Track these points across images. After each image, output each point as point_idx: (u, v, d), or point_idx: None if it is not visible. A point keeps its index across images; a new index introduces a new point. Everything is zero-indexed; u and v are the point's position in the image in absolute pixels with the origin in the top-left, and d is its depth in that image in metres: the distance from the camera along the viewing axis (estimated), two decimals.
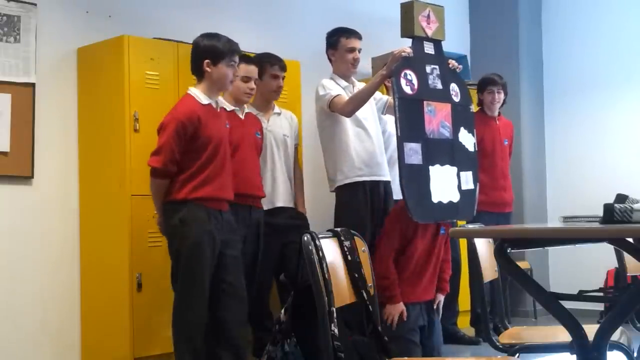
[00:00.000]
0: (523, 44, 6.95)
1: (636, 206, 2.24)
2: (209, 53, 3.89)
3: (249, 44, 5.22)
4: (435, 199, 4.32)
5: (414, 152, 4.27)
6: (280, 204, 4.67)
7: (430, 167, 4.34)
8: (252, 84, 4.40)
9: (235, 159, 4.18)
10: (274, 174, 4.66)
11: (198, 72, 3.93)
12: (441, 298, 4.59)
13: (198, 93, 3.89)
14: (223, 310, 3.92)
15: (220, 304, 3.91)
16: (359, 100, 4.49)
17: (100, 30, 4.70)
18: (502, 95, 5.58)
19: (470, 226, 3.54)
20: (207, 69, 3.88)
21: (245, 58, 4.38)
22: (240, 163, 4.26)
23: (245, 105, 4.50)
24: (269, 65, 4.66)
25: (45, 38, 4.60)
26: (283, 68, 4.71)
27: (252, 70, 4.41)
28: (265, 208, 4.54)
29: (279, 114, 4.77)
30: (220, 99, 4.10)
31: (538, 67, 7.07)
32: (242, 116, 4.40)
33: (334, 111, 4.59)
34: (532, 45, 7.03)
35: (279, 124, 4.74)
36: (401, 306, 4.31)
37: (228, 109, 4.14)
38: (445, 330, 4.99)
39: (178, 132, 3.76)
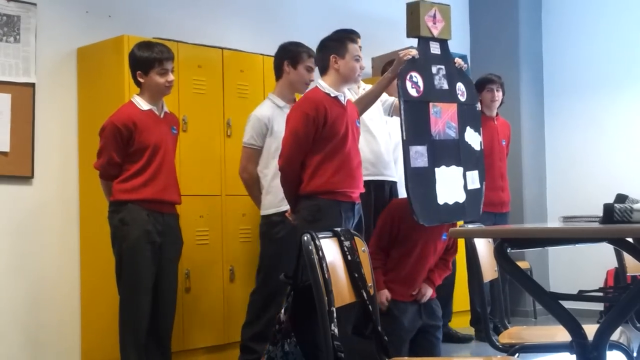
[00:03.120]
0: (523, 44, 6.94)
1: (636, 206, 2.24)
2: (139, 64, 3.98)
3: (249, 44, 5.24)
4: (440, 200, 4.29)
5: (420, 155, 4.25)
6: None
7: (436, 169, 4.32)
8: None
9: (345, 152, 3.94)
10: None
11: (136, 83, 4.03)
12: (425, 287, 4.36)
13: (139, 100, 4.01)
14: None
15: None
16: (366, 102, 4.47)
17: (100, 30, 4.71)
18: (500, 94, 5.59)
19: (470, 226, 3.53)
20: (140, 79, 3.98)
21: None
22: (348, 156, 3.97)
23: (347, 90, 4.23)
24: (306, 55, 4.45)
25: (45, 38, 4.60)
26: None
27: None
28: None
29: None
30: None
31: (538, 67, 7.07)
32: (344, 102, 4.06)
33: None
34: (532, 45, 7.02)
35: None
36: (385, 292, 4.22)
37: (332, 95, 3.96)
38: None
39: (115, 136, 3.88)
